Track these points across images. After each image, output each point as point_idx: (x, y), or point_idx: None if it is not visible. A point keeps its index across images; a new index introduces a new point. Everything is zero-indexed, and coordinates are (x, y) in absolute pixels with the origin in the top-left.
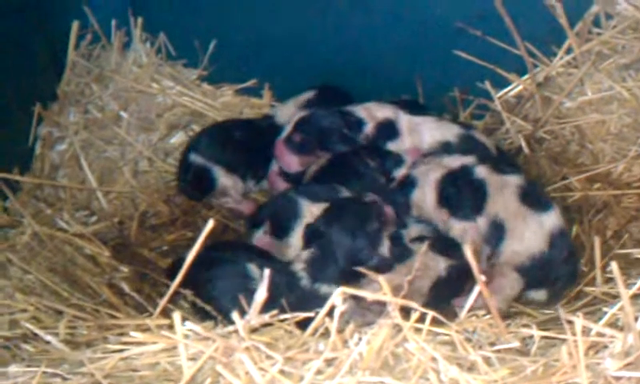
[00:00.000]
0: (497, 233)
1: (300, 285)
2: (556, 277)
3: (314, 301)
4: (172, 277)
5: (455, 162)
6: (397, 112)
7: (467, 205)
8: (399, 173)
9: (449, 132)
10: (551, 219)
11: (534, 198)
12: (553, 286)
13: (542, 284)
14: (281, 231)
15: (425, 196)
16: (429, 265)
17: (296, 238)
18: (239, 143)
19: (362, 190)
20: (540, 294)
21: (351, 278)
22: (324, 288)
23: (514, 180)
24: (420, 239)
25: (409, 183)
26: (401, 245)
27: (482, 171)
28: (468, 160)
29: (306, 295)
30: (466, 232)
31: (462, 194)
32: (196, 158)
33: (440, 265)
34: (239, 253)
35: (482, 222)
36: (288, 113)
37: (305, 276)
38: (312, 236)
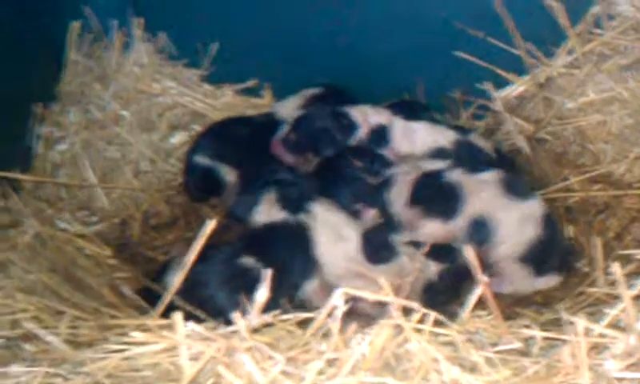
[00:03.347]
0: (483, 230)
1: None
2: (556, 253)
3: None
4: (159, 279)
5: (432, 165)
6: (391, 118)
7: (440, 205)
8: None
9: (443, 138)
10: (537, 204)
11: (517, 188)
12: (558, 263)
13: (546, 267)
14: None
15: (398, 195)
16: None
17: None
18: (243, 139)
19: (351, 193)
20: (552, 279)
21: None
22: None
23: (492, 176)
24: (414, 244)
25: (387, 182)
26: (387, 246)
27: (456, 174)
28: (443, 165)
29: None
30: (435, 233)
31: (435, 195)
32: (201, 160)
33: (430, 268)
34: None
35: (460, 223)
36: (289, 108)
37: None
38: None
